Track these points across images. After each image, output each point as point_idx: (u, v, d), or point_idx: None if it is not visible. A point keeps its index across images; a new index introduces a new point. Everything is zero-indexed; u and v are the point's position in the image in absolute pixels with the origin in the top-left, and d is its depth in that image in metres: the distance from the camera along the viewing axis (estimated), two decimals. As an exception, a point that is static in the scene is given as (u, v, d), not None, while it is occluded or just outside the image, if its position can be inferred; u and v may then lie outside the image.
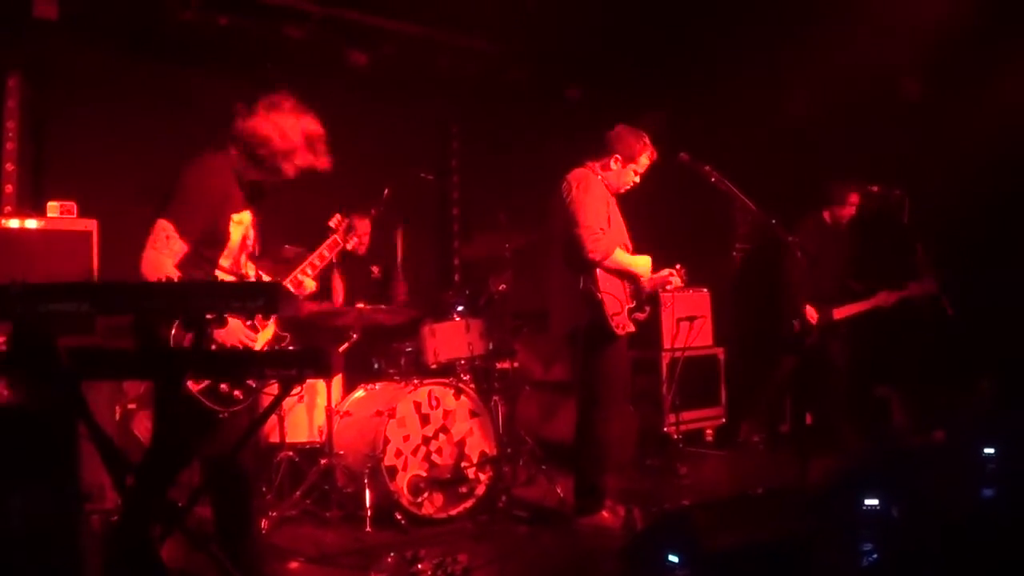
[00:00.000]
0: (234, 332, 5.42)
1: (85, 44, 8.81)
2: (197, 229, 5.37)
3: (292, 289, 5.92)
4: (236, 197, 5.61)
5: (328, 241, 6.24)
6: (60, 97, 8.82)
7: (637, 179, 7.64)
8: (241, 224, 5.62)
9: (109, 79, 8.99)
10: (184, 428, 5.33)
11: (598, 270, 7.22)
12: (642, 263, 7.47)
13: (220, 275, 5.55)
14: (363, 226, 8.92)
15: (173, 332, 5.03)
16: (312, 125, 5.80)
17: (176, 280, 5.23)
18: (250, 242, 5.73)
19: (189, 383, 5.12)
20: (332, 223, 6.32)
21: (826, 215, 9.97)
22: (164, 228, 5.30)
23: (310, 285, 6.09)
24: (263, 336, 5.66)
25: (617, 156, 7.52)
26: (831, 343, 9.90)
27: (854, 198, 9.92)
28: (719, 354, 11.15)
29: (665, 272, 7.53)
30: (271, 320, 5.70)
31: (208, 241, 5.46)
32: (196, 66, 9.40)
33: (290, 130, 5.65)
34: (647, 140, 7.58)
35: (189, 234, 5.33)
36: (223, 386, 5.24)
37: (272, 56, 9.50)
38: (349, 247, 6.40)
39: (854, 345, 10.05)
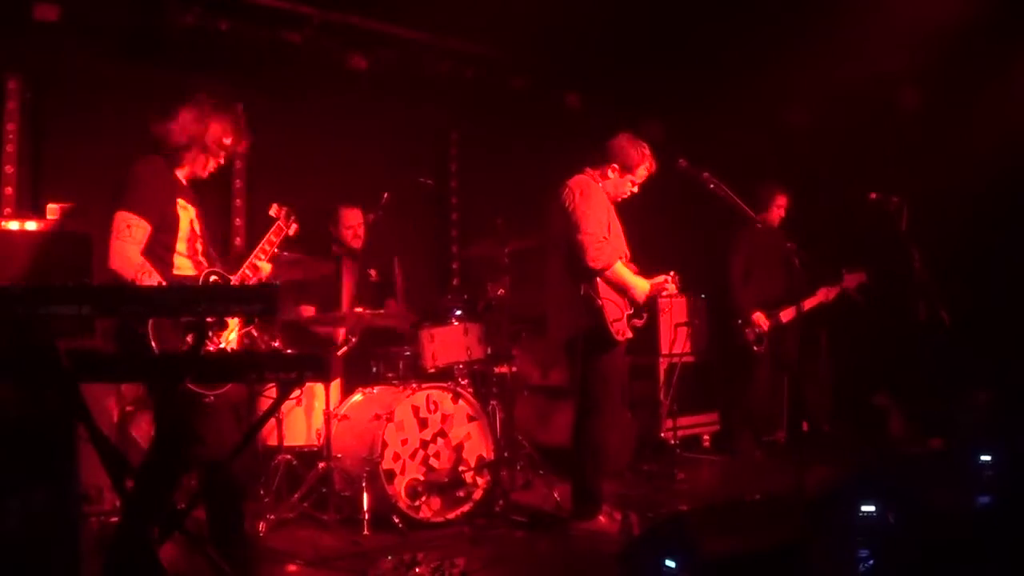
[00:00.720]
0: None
1: (85, 47, 8.82)
2: (155, 212, 5.55)
3: (251, 274, 6.04)
4: (177, 184, 5.83)
5: (272, 229, 6.32)
6: (60, 100, 8.83)
7: (635, 189, 7.66)
8: (187, 211, 5.79)
9: (109, 82, 9.01)
10: (183, 431, 5.37)
11: (598, 278, 7.23)
12: (641, 286, 7.48)
13: (177, 260, 5.69)
14: (354, 216, 8.96)
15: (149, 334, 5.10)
16: (217, 125, 5.95)
17: (143, 268, 5.37)
18: (198, 232, 5.86)
19: None
20: (272, 212, 6.39)
21: (756, 219, 9.99)
22: (123, 218, 5.47)
23: (266, 268, 6.21)
24: (227, 335, 5.73)
25: (616, 165, 7.53)
26: (783, 346, 9.97)
27: (781, 200, 10.00)
28: (716, 360, 11.17)
29: (660, 278, 7.54)
30: (234, 321, 5.77)
31: (161, 226, 5.61)
32: (196, 70, 9.40)
33: (189, 128, 5.84)
34: (647, 151, 7.59)
35: (146, 214, 5.50)
36: None
37: (272, 61, 9.52)
38: (292, 234, 6.42)
39: (832, 347, 10.10)
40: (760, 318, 9.82)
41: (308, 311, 8.77)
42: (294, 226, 6.43)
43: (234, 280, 5.88)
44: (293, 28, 9.47)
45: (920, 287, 9.56)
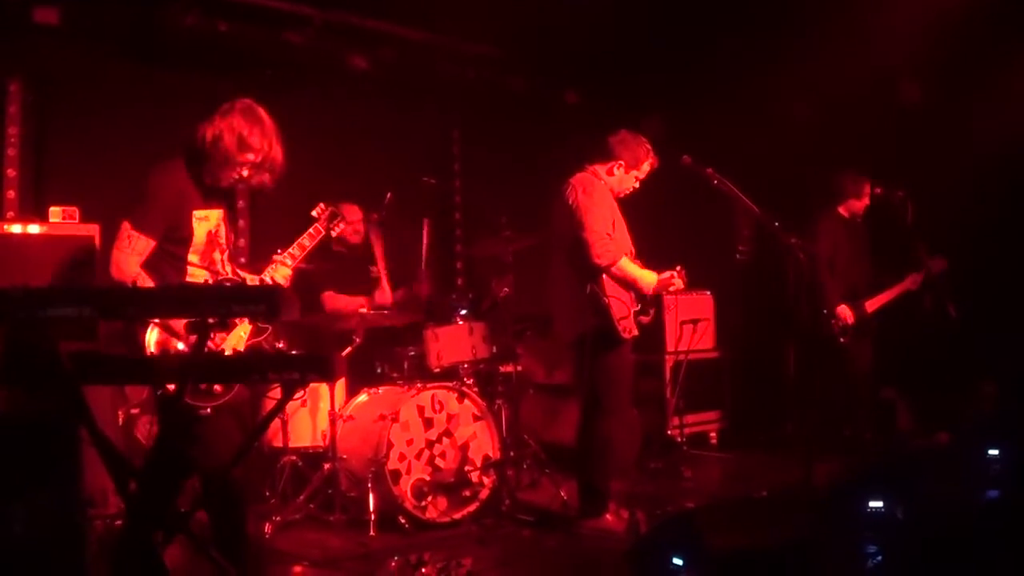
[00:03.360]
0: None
1: (86, 49, 8.80)
2: (157, 226, 5.47)
3: (267, 279, 5.93)
4: (193, 195, 5.65)
5: (309, 230, 6.22)
6: (61, 102, 8.81)
7: (637, 185, 7.66)
8: (206, 221, 5.66)
9: (110, 84, 8.99)
10: (185, 433, 5.35)
11: (604, 275, 7.21)
12: (648, 279, 7.46)
13: (191, 271, 5.60)
14: (352, 212, 8.93)
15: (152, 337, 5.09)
16: (268, 147, 5.73)
17: (139, 277, 5.34)
18: (222, 240, 5.73)
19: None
20: (315, 212, 6.32)
21: (842, 210, 9.92)
22: (125, 228, 5.44)
23: (285, 272, 6.03)
24: (240, 331, 5.68)
25: (620, 161, 7.55)
26: (862, 342, 9.86)
27: (867, 189, 9.89)
28: (722, 357, 11.16)
29: (667, 274, 7.53)
30: (244, 322, 5.70)
31: (173, 238, 5.54)
32: (197, 72, 9.38)
33: (242, 139, 5.64)
34: (649, 146, 7.60)
35: (149, 231, 5.43)
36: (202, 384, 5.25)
37: (273, 62, 9.51)
38: (334, 234, 6.38)
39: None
40: (845, 311, 9.71)
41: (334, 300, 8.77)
42: (339, 227, 6.39)
43: (250, 283, 5.82)
44: (294, 28, 9.44)
45: (927, 280, 9.54)
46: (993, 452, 7.76)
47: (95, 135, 8.86)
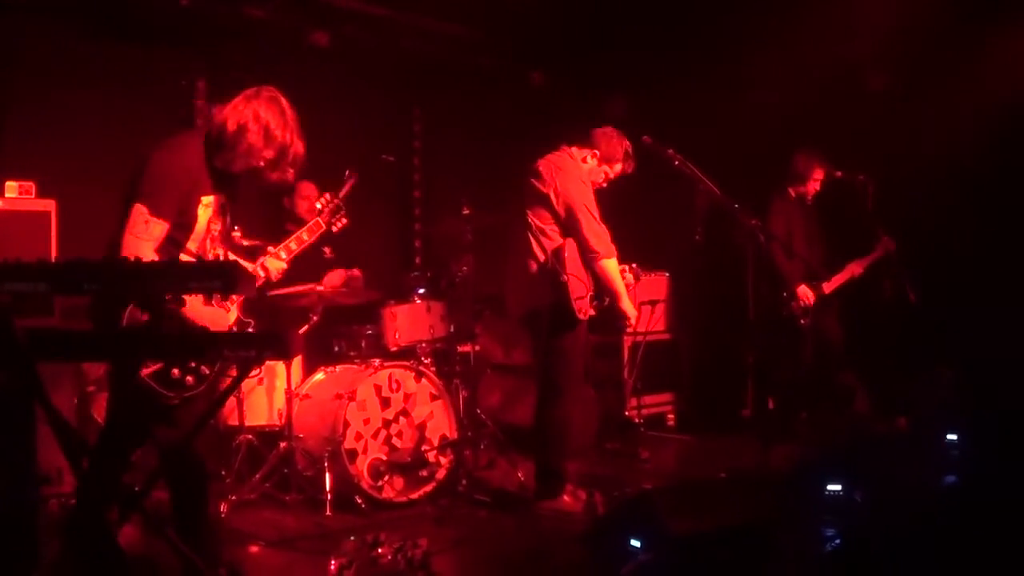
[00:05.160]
0: (204, 317, 5.35)
1: (45, 23, 8.72)
2: (172, 211, 5.25)
3: (261, 273, 5.84)
4: (204, 180, 5.45)
5: (310, 224, 6.16)
6: (19, 77, 8.71)
7: (604, 183, 7.67)
8: (208, 207, 5.47)
9: (69, 59, 8.90)
10: (139, 411, 5.28)
11: (566, 252, 7.18)
12: (625, 298, 7.52)
13: (184, 258, 5.38)
14: (308, 189, 8.87)
15: (127, 312, 4.99)
16: (292, 140, 5.53)
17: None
18: (216, 226, 5.60)
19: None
20: (319, 203, 6.25)
21: (791, 192, 9.94)
22: (140, 212, 5.17)
23: (279, 265, 5.94)
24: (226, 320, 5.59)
25: (596, 152, 7.57)
26: (827, 321, 9.87)
27: (818, 173, 9.89)
28: (680, 338, 11.17)
29: (620, 267, 7.54)
30: (235, 306, 5.62)
31: (178, 224, 5.33)
32: (157, 47, 9.32)
33: (268, 131, 5.44)
34: (630, 151, 7.61)
35: (165, 214, 5.21)
36: (174, 371, 5.16)
37: (234, 36, 9.44)
38: (335, 231, 6.31)
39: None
40: (805, 292, 9.70)
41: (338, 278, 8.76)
42: (341, 222, 6.32)
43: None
44: (254, 3, 9.38)
45: (886, 265, 9.56)
46: (951, 437, 7.81)
47: (53, 110, 8.77)
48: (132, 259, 3.71)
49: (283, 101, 5.58)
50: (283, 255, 5.95)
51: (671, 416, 11.09)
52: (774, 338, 9.85)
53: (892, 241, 9.66)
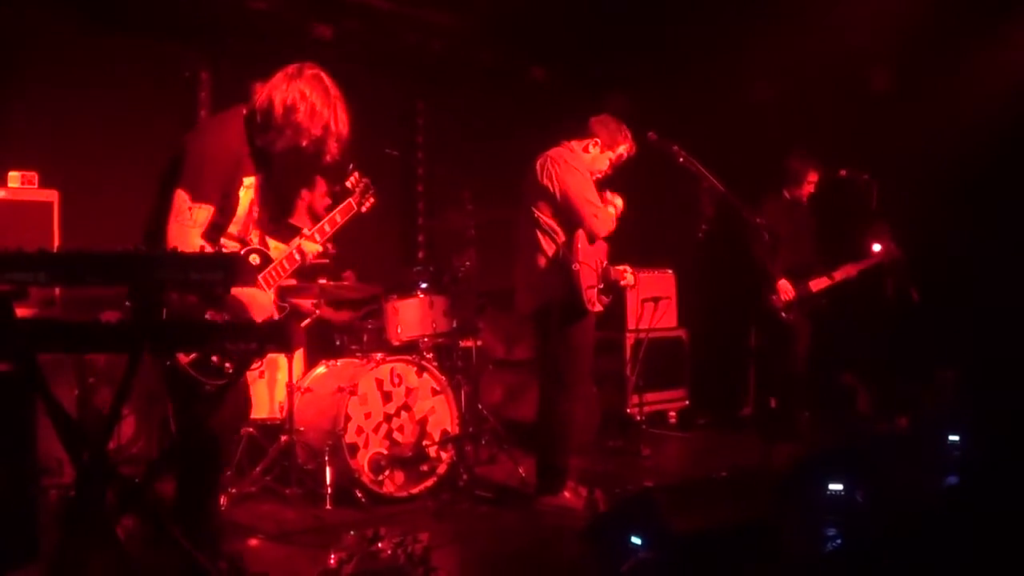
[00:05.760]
0: (258, 299, 5.36)
1: (47, 13, 8.69)
2: (216, 194, 5.19)
3: (297, 256, 5.76)
4: (246, 160, 5.41)
5: (342, 205, 6.15)
6: (21, 67, 8.70)
7: (609, 169, 7.63)
8: (250, 189, 5.43)
9: (72, 50, 8.90)
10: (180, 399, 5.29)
11: (579, 243, 7.16)
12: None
13: (225, 242, 5.38)
14: (320, 184, 8.85)
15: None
16: (338, 118, 5.58)
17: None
18: (256, 209, 5.58)
19: (179, 355, 5.01)
20: (349, 183, 6.21)
21: (785, 193, 9.95)
22: (182, 199, 5.08)
23: (314, 248, 5.90)
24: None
25: (597, 140, 7.53)
26: (803, 322, 9.86)
27: (813, 176, 9.91)
28: (683, 335, 11.16)
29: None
30: (272, 290, 5.61)
31: (220, 208, 5.26)
32: (161, 39, 9.31)
33: (314, 111, 5.44)
34: (629, 134, 7.58)
35: (208, 198, 5.14)
36: (214, 358, 5.14)
37: (237, 29, 9.42)
38: (365, 210, 6.27)
39: (822, 329, 10.03)
40: (785, 286, 9.70)
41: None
42: (369, 201, 6.29)
43: (275, 263, 5.62)
44: (258, -5, 9.38)
45: (889, 265, 9.54)
46: (953, 438, 7.80)
47: (56, 100, 8.78)
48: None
49: (326, 78, 5.58)
50: (318, 238, 5.93)
51: (673, 414, 11.07)
52: (769, 335, 9.88)
53: (898, 249, 9.64)
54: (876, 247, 9.72)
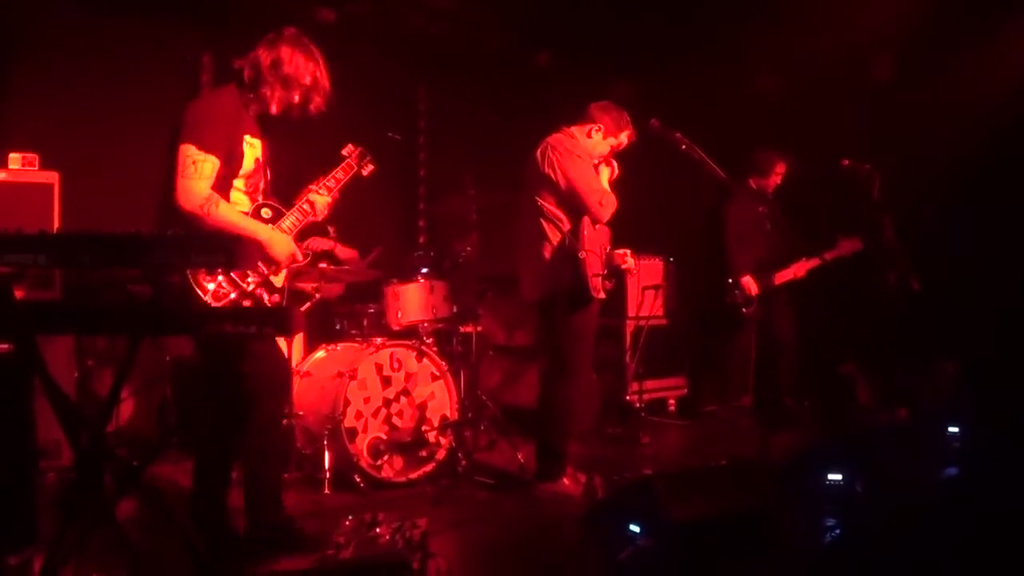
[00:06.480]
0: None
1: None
2: (220, 144, 5.44)
3: (307, 208, 5.98)
4: (246, 120, 5.69)
5: (341, 165, 6.29)
6: (21, 49, 8.69)
7: (608, 156, 7.61)
8: (253, 148, 5.70)
9: (73, 31, 8.92)
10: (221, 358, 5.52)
11: (585, 230, 7.14)
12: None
13: (234, 196, 5.63)
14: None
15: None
16: (322, 70, 5.89)
17: (212, 200, 5.34)
18: (265, 171, 5.84)
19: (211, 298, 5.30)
20: (345, 151, 6.36)
21: (752, 183, 9.98)
22: (187, 153, 5.34)
23: (323, 200, 6.09)
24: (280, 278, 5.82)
25: (599, 125, 7.50)
26: (776, 314, 9.90)
27: (780, 168, 9.95)
28: (681, 323, 11.15)
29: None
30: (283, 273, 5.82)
31: (226, 160, 5.52)
32: (163, 20, 9.29)
33: (301, 63, 5.75)
34: (629, 120, 7.56)
35: (213, 149, 5.39)
36: (246, 303, 5.41)
37: (240, 11, 9.39)
38: (365, 174, 6.39)
39: (801, 316, 10.05)
40: (749, 282, 9.74)
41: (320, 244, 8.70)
42: (369, 167, 6.42)
43: (288, 214, 5.85)
44: (261, -23, 9.34)
45: (891, 255, 9.52)
46: (953, 429, 7.79)
47: (57, 82, 8.80)
48: (133, 233, 3.69)
49: (304, 37, 5.86)
50: (324, 192, 6.10)
51: (672, 401, 11.06)
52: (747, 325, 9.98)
53: (859, 242, 9.72)
54: (843, 241, 9.78)
